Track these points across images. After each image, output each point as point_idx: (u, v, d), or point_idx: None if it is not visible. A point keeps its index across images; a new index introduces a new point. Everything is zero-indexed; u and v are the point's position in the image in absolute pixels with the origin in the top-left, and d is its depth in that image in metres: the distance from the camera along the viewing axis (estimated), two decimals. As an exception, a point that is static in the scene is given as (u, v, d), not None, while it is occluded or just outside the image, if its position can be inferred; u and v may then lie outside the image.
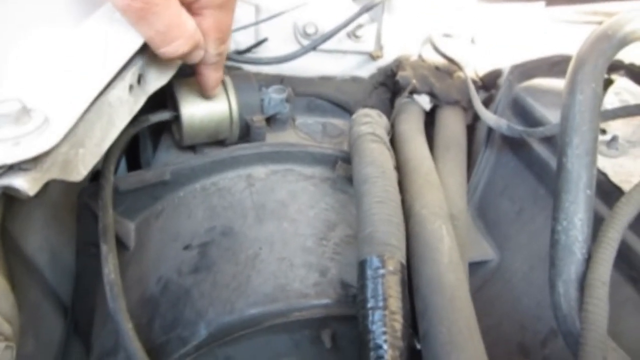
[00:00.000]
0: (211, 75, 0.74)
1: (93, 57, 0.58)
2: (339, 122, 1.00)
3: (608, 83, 0.81)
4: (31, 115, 0.48)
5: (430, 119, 0.95)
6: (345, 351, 0.59)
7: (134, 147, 1.03)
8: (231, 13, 0.67)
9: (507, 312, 0.79)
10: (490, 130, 0.91)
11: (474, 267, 0.85)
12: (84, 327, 0.78)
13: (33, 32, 0.58)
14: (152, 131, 0.97)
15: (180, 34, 0.61)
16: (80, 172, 0.55)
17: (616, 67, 0.84)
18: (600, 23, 0.64)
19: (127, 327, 0.53)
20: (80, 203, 0.71)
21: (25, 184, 0.46)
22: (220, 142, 0.84)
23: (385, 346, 0.49)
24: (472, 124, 0.97)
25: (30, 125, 0.47)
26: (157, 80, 0.70)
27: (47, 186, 0.50)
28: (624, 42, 0.62)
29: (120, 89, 0.62)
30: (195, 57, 0.67)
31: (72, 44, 0.59)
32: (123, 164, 1.06)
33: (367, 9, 0.92)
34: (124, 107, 0.63)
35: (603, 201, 0.67)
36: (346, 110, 1.01)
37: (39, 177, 0.48)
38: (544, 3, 1.06)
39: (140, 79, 0.67)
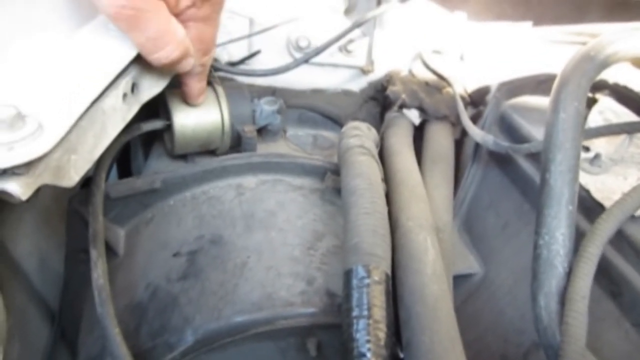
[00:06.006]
0: (195, 86, 0.76)
1: (88, 65, 0.59)
2: (329, 135, 1.01)
3: (592, 102, 0.83)
4: (25, 121, 0.49)
5: (418, 134, 0.96)
6: (330, 360, 0.60)
7: (125, 155, 1.04)
8: (215, 26, 0.70)
9: (491, 324, 0.80)
10: (477, 146, 0.93)
11: (459, 280, 0.86)
12: (70, 334, 0.78)
13: (29, 38, 0.58)
14: (144, 140, 0.97)
15: (171, 40, 0.62)
16: (72, 178, 0.55)
17: (600, 86, 0.86)
18: (584, 44, 0.66)
19: (115, 332, 0.54)
20: (70, 209, 0.71)
21: (18, 188, 0.47)
22: (212, 152, 0.85)
23: (368, 354, 0.49)
24: (460, 139, 0.98)
25: (24, 131, 0.48)
26: (150, 89, 0.71)
27: (38, 191, 0.51)
28: (606, 63, 0.63)
29: (114, 97, 0.63)
30: (185, 66, 0.68)
31: (68, 52, 0.60)
32: (114, 172, 1.07)
33: (358, 24, 0.94)
34: (117, 115, 0.64)
35: (585, 217, 0.69)
36: (337, 122, 1.02)
37: (32, 182, 0.49)
38: (531, 23, 1.09)
39: (134, 88, 0.67)
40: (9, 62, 0.55)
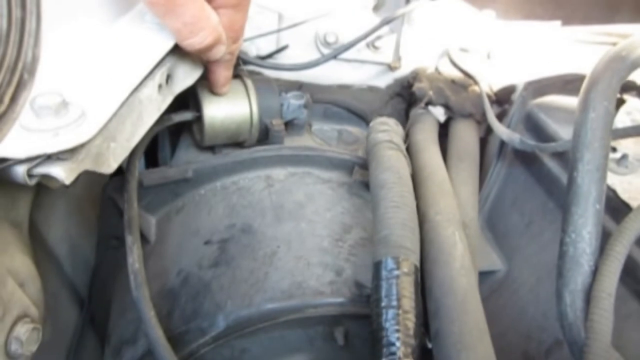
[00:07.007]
0: (222, 73, 0.77)
1: (128, 56, 0.61)
2: (354, 130, 1.02)
3: (620, 103, 0.83)
4: (69, 108, 0.50)
5: (443, 131, 0.97)
6: (356, 350, 0.61)
7: (152, 145, 1.06)
8: (245, 13, 0.70)
9: (513, 321, 0.81)
10: (502, 144, 0.93)
11: (482, 277, 0.86)
12: (99, 319, 0.80)
13: (69, 25, 0.60)
14: (171, 131, 0.99)
15: (205, 26, 0.63)
16: (110, 165, 0.57)
17: (628, 87, 0.86)
18: (613, 44, 0.66)
19: (150, 315, 0.55)
20: (104, 196, 0.73)
21: (62, 173, 0.49)
22: (239, 144, 0.86)
23: (397, 343, 0.51)
24: (485, 137, 0.99)
25: (68, 118, 0.50)
26: (184, 80, 0.72)
27: (78, 177, 0.52)
28: (637, 63, 0.64)
29: (150, 88, 0.64)
30: (217, 52, 0.68)
31: (108, 42, 0.62)
32: (142, 162, 1.09)
33: (387, 21, 0.94)
34: (153, 105, 0.65)
35: (611, 217, 0.69)
36: (362, 118, 1.03)
37: (75, 167, 0.50)
38: (560, 23, 1.08)
39: (168, 79, 0.69)
40: (52, 49, 0.57)
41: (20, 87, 0.31)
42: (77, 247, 0.81)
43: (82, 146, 0.50)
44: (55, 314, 0.75)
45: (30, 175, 0.48)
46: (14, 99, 0.31)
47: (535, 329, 0.77)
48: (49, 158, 0.49)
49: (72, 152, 0.50)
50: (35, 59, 0.32)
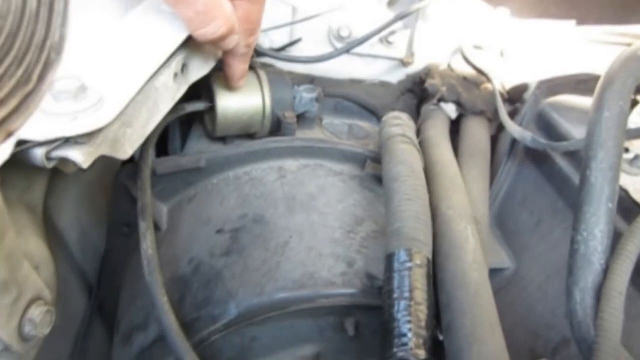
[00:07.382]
0: (238, 67, 0.75)
1: (145, 43, 0.61)
2: (365, 125, 1.02)
3: (634, 104, 0.83)
4: (87, 93, 0.51)
5: (454, 128, 0.97)
6: (366, 340, 0.61)
7: (162, 136, 1.06)
8: (261, 5, 0.69)
9: (521, 318, 0.81)
10: (513, 142, 0.93)
11: (491, 274, 0.85)
12: (108, 306, 0.81)
13: (88, 12, 0.60)
14: (181, 122, 0.99)
15: (219, 15, 0.61)
16: (126, 150, 0.57)
17: (642, 88, 0.86)
18: (628, 44, 0.66)
19: (163, 300, 0.56)
20: (116, 183, 0.73)
21: (80, 156, 0.49)
22: (251, 135, 0.87)
23: (409, 334, 0.51)
24: (496, 135, 0.99)
25: (86, 102, 0.50)
26: (199, 70, 0.72)
27: (94, 162, 0.52)
28: (653, 64, 0.64)
29: (166, 76, 0.64)
30: (231, 43, 0.67)
31: (124, 30, 0.62)
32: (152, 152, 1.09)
33: (401, 16, 0.94)
34: (168, 93, 0.66)
35: (623, 217, 0.69)
36: (373, 113, 1.03)
37: (92, 152, 0.51)
38: (575, 22, 1.08)
39: (184, 68, 0.69)
40: (71, 35, 0.57)
41: (47, 66, 0.31)
42: (86, 233, 0.82)
43: (99, 131, 0.51)
44: (64, 300, 0.75)
45: (48, 158, 0.48)
46: (41, 77, 0.31)
47: (543, 326, 0.77)
48: (67, 141, 0.49)
49: (89, 136, 0.50)
50: (62, 38, 0.32)
